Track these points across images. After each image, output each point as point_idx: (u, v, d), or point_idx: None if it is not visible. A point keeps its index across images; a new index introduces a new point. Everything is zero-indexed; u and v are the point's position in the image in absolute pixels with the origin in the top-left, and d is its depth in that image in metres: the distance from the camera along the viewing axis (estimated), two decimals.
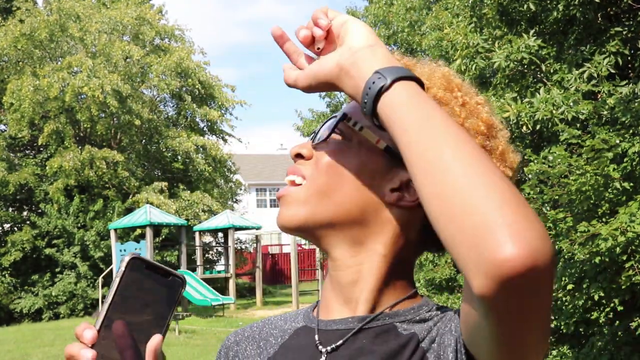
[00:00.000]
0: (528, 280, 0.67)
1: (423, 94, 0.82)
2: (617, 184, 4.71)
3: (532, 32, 5.52)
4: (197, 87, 24.37)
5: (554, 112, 4.94)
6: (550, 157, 4.91)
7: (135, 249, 18.70)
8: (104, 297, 18.39)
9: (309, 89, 0.92)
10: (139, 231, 20.15)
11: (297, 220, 0.97)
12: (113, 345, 0.80)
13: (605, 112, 5.03)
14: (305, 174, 0.98)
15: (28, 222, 22.55)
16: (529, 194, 5.02)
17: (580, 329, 5.87)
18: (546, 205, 5.15)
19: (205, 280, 19.81)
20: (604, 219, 4.89)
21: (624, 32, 5.37)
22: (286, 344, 1.03)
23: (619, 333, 5.54)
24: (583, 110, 4.96)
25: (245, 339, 1.08)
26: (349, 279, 0.97)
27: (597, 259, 4.79)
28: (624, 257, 4.86)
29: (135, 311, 0.82)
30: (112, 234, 19.21)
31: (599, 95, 5.32)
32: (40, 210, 22.38)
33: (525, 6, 5.52)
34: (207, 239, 25.68)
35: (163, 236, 21.35)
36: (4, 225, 22.91)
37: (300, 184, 0.98)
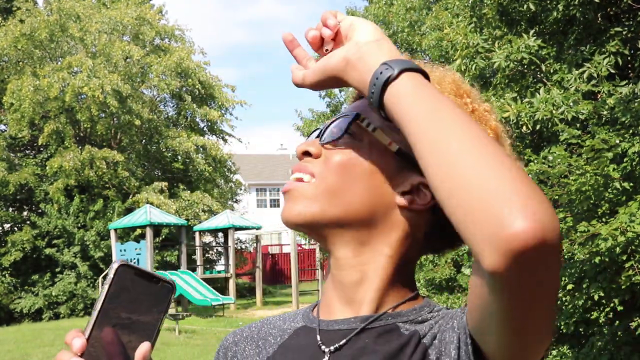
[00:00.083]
0: (539, 254, 0.68)
1: (429, 84, 0.83)
2: (617, 184, 4.71)
3: (532, 32, 5.52)
4: (197, 87, 24.38)
5: (553, 112, 4.94)
6: (550, 157, 4.91)
7: (135, 248, 18.71)
8: None
9: (317, 85, 0.92)
10: (139, 231, 20.16)
11: (305, 216, 0.96)
12: (103, 352, 0.81)
13: (605, 112, 5.04)
14: (315, 172, 0.97)
15: (28, 222, 22.55)
16: None
17: (580, 329, 5.87)
18: None
19: (205, 280, 19.81)
20: (603, 219, 4.90)
21: (624, 32, 5.37)
22: (285, 343, 1.02)
23: (619, 333, 5.54)
24: (583, 110, 4.96)
25: (244, 339, 1.07)
26: (352, 279, 0.97)
27: (597, 259, 4.80)
28: (624, 257, 4.86)
29: (125, 318, 0.82)
30: (112, 234, 19.22)
31: (599, 95, 5.33)
32: (40, 210, 22.39)
33: (525, 6, 5.53)
34: (207, 239, 25.69)
35: (163, 236, 21.36)
36: (4, 225, 22.92)
37: (308, 182, 0.97)
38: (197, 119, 25.63)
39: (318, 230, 0.98)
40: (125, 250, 18.89)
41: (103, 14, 22.86)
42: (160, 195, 22.12)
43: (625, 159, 4.84)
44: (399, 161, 0.96)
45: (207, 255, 24.32)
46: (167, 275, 18.29)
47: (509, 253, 0.68)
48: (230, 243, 21.02)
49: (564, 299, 5.52)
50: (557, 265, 0.72)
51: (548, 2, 5.59)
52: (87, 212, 21.51)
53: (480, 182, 0.71)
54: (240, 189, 29.21)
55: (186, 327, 15.64)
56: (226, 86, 25.93)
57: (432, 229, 0.99)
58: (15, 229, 22.84)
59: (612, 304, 5.40)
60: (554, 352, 6.17)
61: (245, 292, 24.73)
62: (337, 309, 0.99)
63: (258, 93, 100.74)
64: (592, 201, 4.82)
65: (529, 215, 0.68)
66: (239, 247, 25.29)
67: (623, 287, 4.95)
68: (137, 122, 22.18)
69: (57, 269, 21.41)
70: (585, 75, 5.12)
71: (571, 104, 4.95)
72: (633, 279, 4.83)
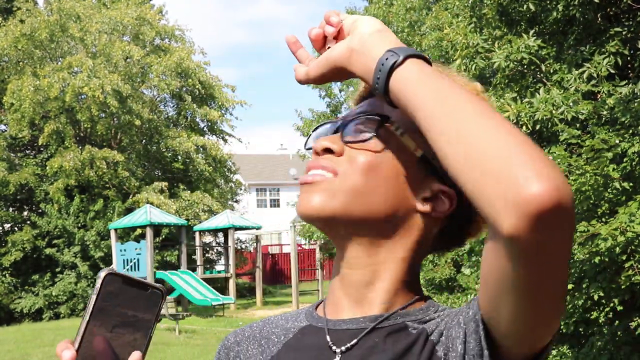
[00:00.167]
0: (555, 216, 0.70)
1: (433, 68, 0.85)
2: (617, 184, 4.72)
3: (531, 32, 5.52)
4: (197, 87, 24.39)
5: (553, 112, 4.94)
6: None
7: (136, 248, 18.72)
8: None
9: (321, 78, 0.93)
10: (139, 231, 20.17)
11: (325, 210, 0.94)
12: None
13: (605, 112, 5.04)
14: (338, 171, 0.96)
15: (28, 222, 22.56)
16: None
17: (580, 329, 5.87)
18: None
19: (205, 280, 19.82)
20: (603, 219, 4.90)
21: (624, 33, 5.37)
22: (290, 342, 1.02)
23: (619, 333, 5.55)
24: (583, 110, 4.97)
25: (246, 339, 1.07)
26: (363, 279, 0.98)
27: (596, 259, 4.80)
28: (624, 257, 4.86)
29: (115, 326, 0.82)
30: (113, 234, 19.23)
31: (599, 95, 5.33)
32: (40, 210, 22.40)
33: (525, 6, 5.53)
34: (207, 239, 25.69)
35: (163, 236, 21.37)
36: (5, 225, 22.93)
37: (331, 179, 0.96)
38: (197, 119, 25.63)
39: (335, 226, 0.97)
40: (125, 250, 18.90)
41: (103, 14, 22.87)
42: (161, 195, 22.13)
43: (625, 159, 4.85)
44: (422, 167, 0.97)
45: (207, 255, 24.34)
46: (166, 274, 18.31)
47: (528, 215, 0.69)
48: (230, 243, 21.03)
49: None
50: (571, 230, 0.73)
51: (548, 2, 5.59)
52: (87, 212, 21.52)
53: (496, 148, 0.73)
54: (240, 189, 29.22)
55: (186, 327, 15.65)
56: (226, 86, 25.94)
57: (440, 233, 1.01)
58: (16, 229, 22.86)
59: (611, 304, 5.40)
60: (554, 352, 6.17)
61: (245, 292, 24.74)
62: (346, 308, 0.99)
63: (258, 93, 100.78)
64: (592, 201, 4.83)
65: (545, 178, 0.69)
66: (239, 247, 25.29)
67: (623, 287, 4.95)
68: (137, 122, 22.18)
69: (58, 269, 21.42)
70: (585, 76, 5.12)
71: (571, 104, 4.95)
72: (633, 278, 4.84)
